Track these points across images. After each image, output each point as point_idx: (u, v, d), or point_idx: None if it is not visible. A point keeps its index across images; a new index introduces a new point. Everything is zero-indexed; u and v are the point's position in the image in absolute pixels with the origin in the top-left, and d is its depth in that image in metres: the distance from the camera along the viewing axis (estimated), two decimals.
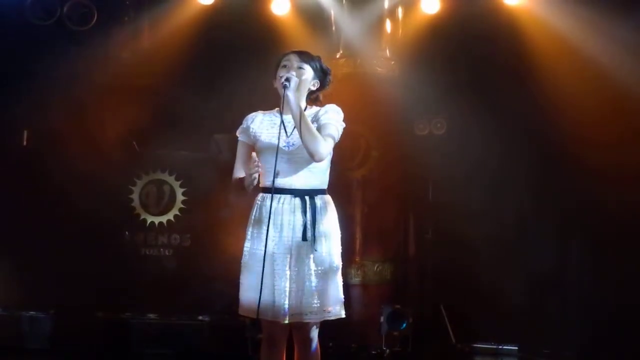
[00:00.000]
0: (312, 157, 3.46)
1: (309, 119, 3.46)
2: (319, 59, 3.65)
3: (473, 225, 6.25)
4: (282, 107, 3.49)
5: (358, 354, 6.21)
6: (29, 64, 6.30)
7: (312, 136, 3.41)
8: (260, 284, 3.40)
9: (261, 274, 3.43)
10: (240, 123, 3.73)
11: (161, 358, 5.89)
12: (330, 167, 3.62)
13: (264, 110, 3.71)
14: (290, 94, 3.44)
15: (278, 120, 3.56)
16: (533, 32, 6.18)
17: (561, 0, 5.94)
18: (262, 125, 3.63)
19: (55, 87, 6.26)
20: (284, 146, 3.51)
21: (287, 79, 3.46)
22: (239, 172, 3.65)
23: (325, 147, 3.45)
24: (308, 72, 3.58)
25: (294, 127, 3.48)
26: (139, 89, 6.46)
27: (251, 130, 3.64)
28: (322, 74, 3.64)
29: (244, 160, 3.66)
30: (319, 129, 3.51)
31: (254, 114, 3.70)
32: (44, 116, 6.30)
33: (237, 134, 3.70)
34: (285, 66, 3.56)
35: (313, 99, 3.67)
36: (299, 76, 3.53)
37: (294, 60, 3.56)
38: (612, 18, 5.67)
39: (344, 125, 3.59)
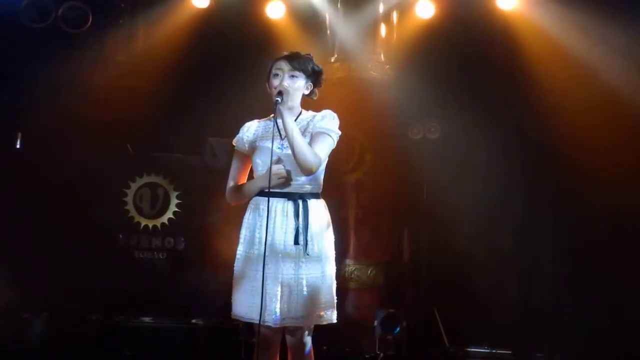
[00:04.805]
0: (302, 172, 3.46)
1: (300, 135, 3.44)
2: (310, 59, 3.63)
3: (467, 229, 6.26)
4: (275, 116, 3.50)
5: (352, 357, 6.21)
6: (23, 66, 6.28)
7: (303, 153, 3.41)
8: (252, 288, 3.42)
9: (253, 278, 3.44)
10: (235, 126, 3.74)
11: None
12: (325, 171, 3.63)
13: (259, 117, 3.72)
14: (283, 108, 3.44)
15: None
16: (527, 37, 6.20)
17: (555, 5, 5.96)
18: (257, 132, 3.65)
19: (49, 89, 6.25)
20: (278, 148, 3.51)
21: (280, 93, 3.46)
22: (234, 180, 3.66)
23: (316, 163, 3.45)
24: (300, 79, 3.57)
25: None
26: (133, 91, 6.45)
27: (246, 139, 3.65)
28: (315, 76, 3.63)
29: (239, 168, 3.68)
30: (313, 136, 3.51)
31: (249, 122, 3.72)
32: (37, 119, 6.28)
33: (233, 142, 3.71)
34: (277, 75, 3.55)
35: (309, 93, 3.66)
36: (292, 86, 3.52)
37: (286, 69, 3.55)
38: (605, 23, 5.70)
39: (339, 132, 3.59)
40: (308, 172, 3.47)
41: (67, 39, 6.36)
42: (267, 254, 3.43)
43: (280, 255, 3.47)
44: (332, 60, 6.52)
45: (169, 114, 6.63)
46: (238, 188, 3.66)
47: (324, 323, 3.54)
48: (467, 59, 6.39)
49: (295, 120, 3.55)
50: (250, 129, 3.67)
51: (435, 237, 6.59)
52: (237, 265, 3.58)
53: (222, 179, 3.78)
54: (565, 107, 5.89)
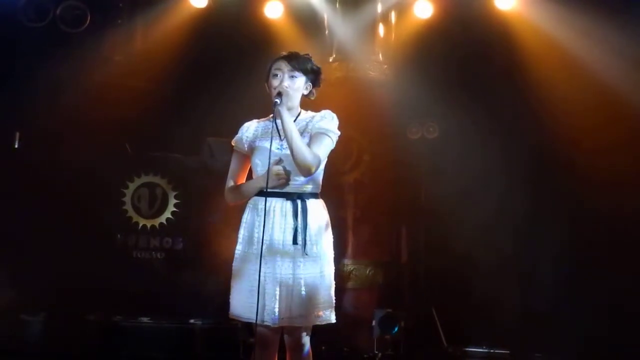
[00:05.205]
0: (301, 173, 3.46)
1: (299, 136, 3.44)
2: (309, 59, 3.63)
3: (466, 229, 6.26)
4: (275, 117, 3.50)
5: (350, 357, 6.21)
6: (22, 66, 6.27)
7: (302, 154, 3.41)
8: (250, 288, 3.42)
9: (252, 278, 3.44)
10: (234, 126, 3.74)
11: None
12: (323, 171, 3.62)
13: (258, 117, 3.72)
14: (282, 109, 3.44)
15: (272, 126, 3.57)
16: (526, 37, 6.20)
17: (553, 5, 5.96)
18: (256, 132, 3.65)
19: (48, 89, 6.24)
20: (277, 148, 3.51)
21: (279, 94, 3.46)
22: (233, 180, 3.66)
23: (315, 163, 3.45)
24: (300, 80, 3.57)
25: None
26: (131, 91, 6.45)
27: (245, 139, 3.65)
28: (314, 76, 3.63)
29: (238, 168, 3.68)
30: (312, 136, 3.51)
31: (249, 123, 3.71)
32: (35, 118, 6.27)
33: (232, 143, 3.71)
34: (276, 75, 3.55)
35: (308, 93, 3.66)
36: (291, 87, 3.52)
37: (285, 69, 3.55)
38: (603, 23, 5.70)
39: (338, 133, 3.59)
40: (307, 172, 3.46)
41: (66, 38, 6.36)
42: (265, 253, 3.43)
43: (278, 255, 3.47)
44: (331, 60, 6.52)
45: (168, 113, 6.63)
46: (237, 188, 3.66)
47: (323, 323, 3.53)
48: (465, 59, 6.39)
49: (295, 120, 3.55)
50: (250, 129, 3.67)
51: (434, 237, 6.59)
52: (236, 264, 3.57)
53: (220, 179, 3.78)
54: (564, 107, 5.89)
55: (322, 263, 3.53)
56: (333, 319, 3.56)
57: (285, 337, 3.57)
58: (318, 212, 3.57)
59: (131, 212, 6.59)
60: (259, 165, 3.57)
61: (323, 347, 5.49)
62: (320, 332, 3.67)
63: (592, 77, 5.76)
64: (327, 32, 6.58)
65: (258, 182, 3.54)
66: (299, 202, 3.50)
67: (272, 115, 3.54)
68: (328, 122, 3.56)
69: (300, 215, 3.48)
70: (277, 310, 3.42)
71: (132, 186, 6.62)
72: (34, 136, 6.44)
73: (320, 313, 3.50)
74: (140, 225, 6.58)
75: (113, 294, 6.02)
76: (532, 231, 6.32)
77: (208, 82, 6.62)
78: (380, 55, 6.57)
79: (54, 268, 5.99)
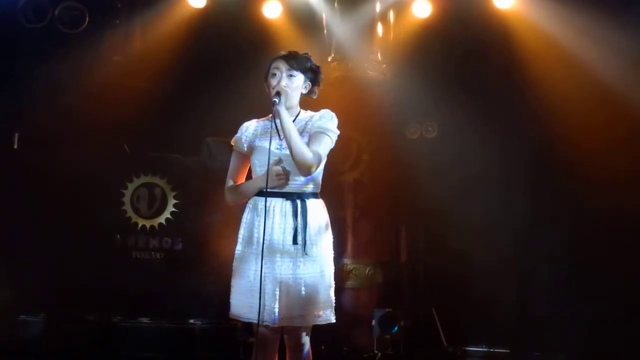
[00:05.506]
0: (301, 172, 3.46)
1: (298, 135, 3.44)
2: (307, 58, 3.63)
3: (465, 229, 6.26)
4: (274, 117, 3.50)
5: (350, 357, 6.21)
6: (20, 67, 6.27)
7: (301, 153, 3.42)
8: (250, 288, 3.42)
9: (251, 278, 3.44)
10: (233, 126, 3.74)
11: None
12: (323, 171, 3.62)
13: (257, 117, 3.72)
14: (281, 109, 3.44)
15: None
16: (524, 36, 6.20)
17: (552, 3, 5.96)
18: (255, 132, 3.65)
19: (47, 89, 6.24)
20: (277, 148, 3.51)
21: (278, 93, 3.46)
22: (233, 180, 3.66)
23: (314, 162, 3.45)
24: (298, 79, 3.58)
25: None
26: (130, 91, 6.45)
27: (244, 139, 3.65)
28: (313, 75, 3.64)
29: (238, 168, 3.68)
30: (311, 135, 3.51)
31: (248, 122, 3.72)
32: (35, 119, 6.27)
33: (232, 142, 3.71)
34: (274, 75, 3.55)
35: (308, 92, 3.66)
36: (290, 86, 3.52)
37: (283, 68, 3.55)
38: (602, 22, 5.69)
39: (338, 132, 3.59)
40: (307, 172, 3.47)
41: (65, 39, 6.35)
42: (265, 253, 3.43)
43: (278, 254, 3.47)
44: (329, 59, 6.51)
45: (167, 114, 6.62)
46: (237, 188, 3.66)
47: (322, 323, 3.54)
48: (464, 58, 6.39)
49: (294, 120, 3.55)
50: (249, 129, 3.67)
51: (433, 236, 6.59)
52: (236, 265, 3.58)
53: (219, 179, 3.78)
54: (563, 106, 5.88)
55: (322, 263, 3.53)
56: (333, 319, 3.56)
57: (285, 337, 3.58)
58: (318, 212, 3.57)
59: (130, 213, 6.58)
60: (258, 165, 3.57)
61: (323, 347, 5.50)
62: (320, 332, 3.67)
63: (591, 77, 5.76)
64: (325, 31, 6.58)
65: (258, 182, 3.54)
66: (298, 202, 3.51)
67: (271, 115, 3.54)
68: (327, 121, 3.56)
69: (300, 215, 3.49)
70: (276, 310, 3.42)
71: (131, 186, 6.61)
72: (33, 136, 6.43)
73: (320, 313, 3.50)
74: (140, 225, 6.57)
75: (113, 294, 6.02)
76: (532, 231, 6.31)
77: (207, 82, 6.62)
78: (379, 55, 6.57)
79: (54, 268, 5.99)
